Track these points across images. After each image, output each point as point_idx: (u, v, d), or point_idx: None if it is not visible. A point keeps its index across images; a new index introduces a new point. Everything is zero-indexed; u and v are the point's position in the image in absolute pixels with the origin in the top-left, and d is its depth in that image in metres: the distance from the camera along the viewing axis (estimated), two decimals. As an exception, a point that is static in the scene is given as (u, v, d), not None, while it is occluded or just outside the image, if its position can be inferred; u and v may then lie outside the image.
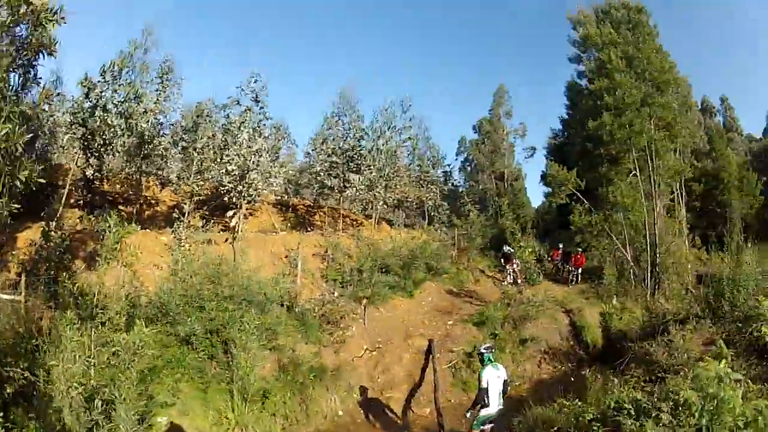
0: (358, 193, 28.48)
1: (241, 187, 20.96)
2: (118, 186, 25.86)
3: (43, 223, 16.29)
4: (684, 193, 43.86)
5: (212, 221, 21.13)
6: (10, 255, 16.41)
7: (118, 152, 22.43)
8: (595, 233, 32.48)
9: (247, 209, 23.10)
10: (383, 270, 22.48)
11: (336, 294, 19.30)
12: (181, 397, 12.27)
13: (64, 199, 19.37)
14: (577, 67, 41.65)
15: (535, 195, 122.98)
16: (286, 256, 21.09)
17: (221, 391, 13.16)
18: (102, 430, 9.22)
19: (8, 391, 9.57)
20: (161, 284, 15.43)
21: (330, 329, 17.78)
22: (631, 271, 28.69)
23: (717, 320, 16.01)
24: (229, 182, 20.98)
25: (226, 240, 19.99)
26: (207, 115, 24.12)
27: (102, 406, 9.29)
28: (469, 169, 57.55)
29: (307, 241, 22.79)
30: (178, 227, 18.88)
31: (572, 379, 15.05)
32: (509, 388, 11.85)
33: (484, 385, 11.06)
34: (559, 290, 27.00)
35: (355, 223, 29.10)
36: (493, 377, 11.12)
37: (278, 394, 13.86)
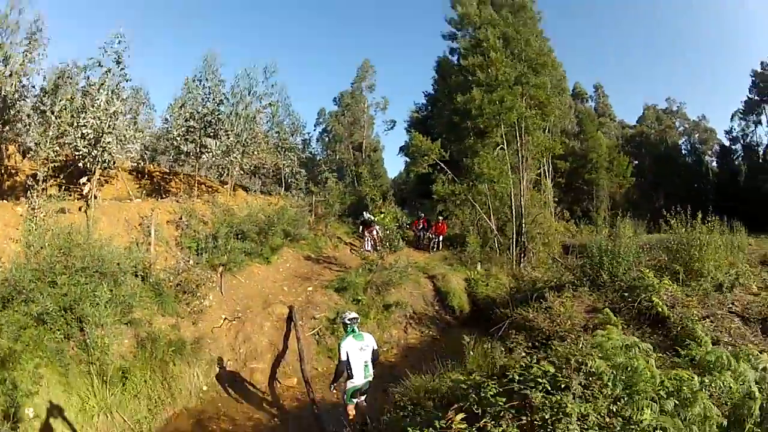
0: (214, 159, 27.58)
1: (95, 151, 19.70)
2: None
3: None
4: (551, 169, 45.36)
5: (68, 189, 19.98)
6: None
7: None
8: (458, 203, 33.45)
9: (102, 176, 21.87)
10: (239, 236, 22.01)
11: (191, 262, 18.74)
12: (44, 384, 11.28)
13: None
14: (450, 44, 42.45)
15: (392, 167, 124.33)
16: (140, 224, 20.14)
17: (82, 373, 12.28)
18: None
19: None
20: (14, 258, 14.17)
21: (186, 299, 17.10)
22: (496, 239, 29.73)
23: (596, 289, 16.60)
24: (83, 147, 19.63)
25: (80, 208, 18.84)
26: (68, 77, 22.66)
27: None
28: (327, 139, 57.75)
29: (162, 207, 22.02)
30: (32, 195, 17.47)
31: (443, 345, 14.60)
32: (378, 356, 11.53)
33: (343, 357, 10.91)
34: (421, 257, 27.63)
35: (211, 189, 28.35)
36: (354, 348, 10.95)
37: (138, 374, 13.08)
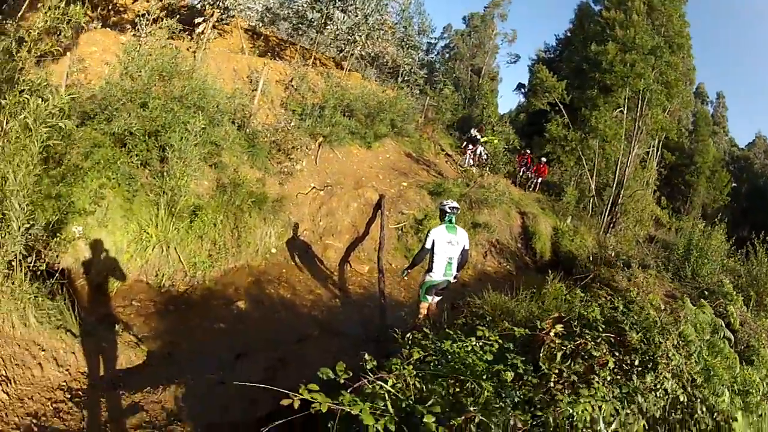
0: (337, 33, 26.65)
1: None
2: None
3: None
4: (658, 155, 43.67)
5: (180, 32, 18.62)
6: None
7: None
8: (567, 149, 32.50)
9: (217, 26, 21.14)
10: (346, 114, 21.34)
11: (293, 124, 18.06)
12: (103, 205, 10.82)
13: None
14: None
15: (505, 103, 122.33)
16: (248, 76, 19.69)
17: (149, 203, 11.74)
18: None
19: None
20: (108, 76, 13.66)
21: (279, 158, 16.59)
22: (591, 200, 28.52)
23: (677, 279, 16.23)
24: None
25: (188, 48, 18.27)
26: None
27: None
28: (447, 55, 55.27)
29: (274, 66, 21.43)
30: (140, 26, 16.85)
31: (518, 282, 13.68)
32: (467, 260, 10.25)
33: (428, 244, 9.64)
34: (516, 191, 26.16)
35: (325, 66, 27.06)
36: (443, 240, 9.62)
37: (210, 215, 12.46)
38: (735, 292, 11.48)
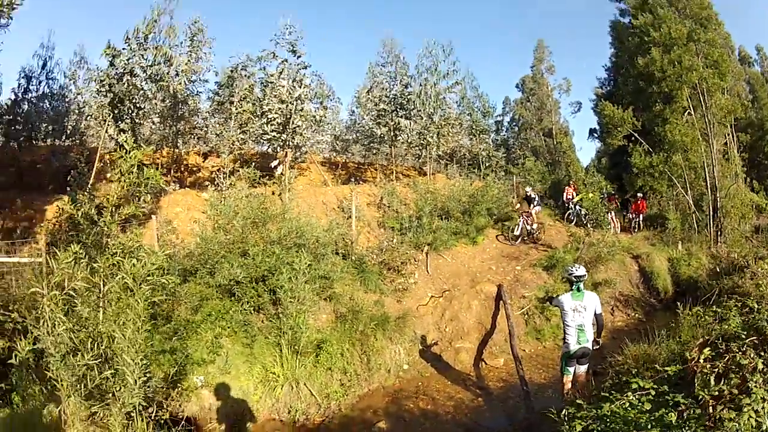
0: (409, 140, 27.04)
1: (285, 135, 19.98)
2: (155, 154, 24.54)
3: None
4: (735, 140, 41.68)
5: (258, 180, 19.45)
6: (38, 227, 15.51)
7: (150, 117, 22.34)
8: (656, 175, 31.22)
9: (293, 164, 21.92)
10: (443, 216, 21.24)
11: (395, 241, 17.99)
12: (222, 354, 10.99)
13: (94, 170, 18.26)
14: (618, 5, 39.22)
15: (583, 155, 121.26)
16: (339, 206, 19.94)
17: (269, 345, 11.80)
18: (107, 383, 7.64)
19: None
20: (200, 232, 14.21)
21: (391, 276, 16.53)
22: (694, 216, 27.22)
23: None
24: (271, 131, 20.05)
25: (273, 192, 18.79)
26: (243, 68, 23.46)
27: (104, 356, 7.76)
28: (516, 128, 54.81)
29: (361, 190, 21.74)
30: (219, 181, 18.15)
31: (649, 327, 13.00)
32: (603, 324, 9.74)
33: (555, 303, 9.70)
34: (623, 237, 25.32)
35: (408, 177, 27.52)
36: (568, 307, 9.26)
37: (335, 346, 12.27)
38: None
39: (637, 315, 18.76)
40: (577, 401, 5.66)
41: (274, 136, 19.98)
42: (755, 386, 4.59)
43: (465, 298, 16.80)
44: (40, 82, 23.73)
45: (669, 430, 4.56)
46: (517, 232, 23.03)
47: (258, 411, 10.78)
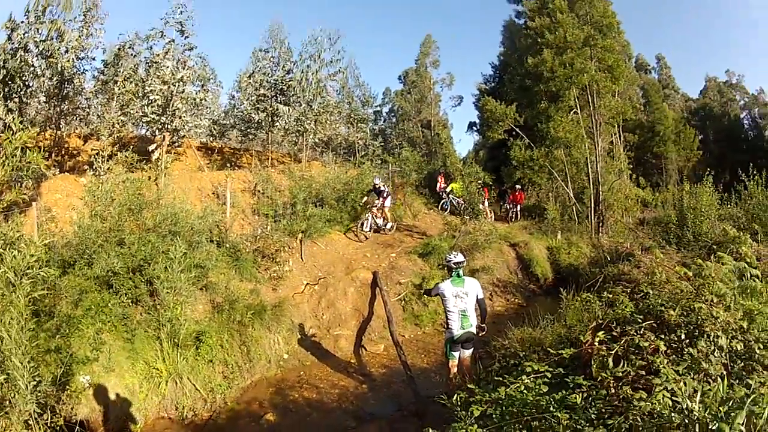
0: (287, 127, 26.97)
1: (164, 118, 19.56)
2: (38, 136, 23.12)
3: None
4: (622, 140, 44.50)
5: (135, 165, 18.87)
6: None
7: (37, 95, 21.64)
8: (535, 169, 32.47)
9: (170, 148, 21.24)
10: (317, 203, 21.38)
11: (269, 229, 17.92)
12: (105, 351, 10.46)
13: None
14: (515, 7, 41.47)
15: (461, 146, 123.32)
16: (214, 192, 19.74)
17: (150, 338, 11.42)
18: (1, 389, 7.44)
19: None
20: (78, 221, 13.46)
21: (266, 264, 16.34)
22: (574, 208, 28.45)
23: (682, 248, 16.32)
24: (151, 113, 19.52)
25: (149, 178, 18.13)
26: (130, 47, 22.79)
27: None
28: (394, 119, 55.43)
29: (236, 176, 21.39)
30: (97, 166, 17.27)
31: (530, 312, 13.32)
32: (486, 308, 10.04)
33: (434, 292, 9.96)
34: (501, 226, 25.92)
35: (283, 164, 27.17)
36: (450, 294, 9.48)
37: (214, 337, 12.06)
38: (740, 234, 11.16)
39: (516, 300, 19.23)
40: (469, 385, 5.72)
41: (153, 119, 19.49)
42: (663, 367, 4.69)
43: (341, 285, 16.91)
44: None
45: (574, 412, 4.58)
46: (366, 228, 21.87)
47: (146, 410, 10.47)
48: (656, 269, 8.24)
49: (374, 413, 10.99)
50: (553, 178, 30.76)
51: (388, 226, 22.45)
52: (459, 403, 5.28)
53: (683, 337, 5.53)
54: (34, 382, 7.39)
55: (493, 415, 4.92)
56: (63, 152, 23.32)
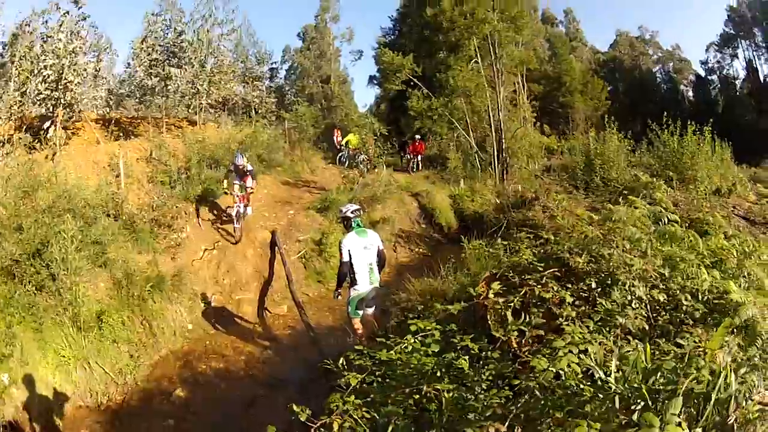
0: (180, 89, 26.56)
1: (57, 93, 19.01)
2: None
3: None
4: (525, 90, 45.07)
5: (34, 146, 18.41)
6: None
7: None
8: (434, 118, 32.77)
9: (67, 124, 20.82)
10: (213, 166, 21.21)
11: (165, 196, 17.75)
12: (18, 344, 10.10)
13: None
14: None
15: (362, 101, 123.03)
16: (109, 165, 18.99)
17: (56, 325, 11.05)
18: None
19: None
20: None
21: (163, 233, 16.07)
22: (477, 156, 28.95)
23: (590, 193, 16.84)
24: (45, 89, 18.94)
25: (47, 156, 17.73)
26: (27, 25, 21.27)
27: None
28: (293, 76, 55.33)
29: (131, 146, 21.00)
30: None
31: (435, 260, 13.64)
32: (385, 259, 10.01)
33: (345, 257, 9.31)
34: (401, 177, 26.50)
35: (180, 129, 26.76)
36: (358, 246, 9.34)
37: (115, 316, 11.80)
38: (654, 180, 11.68)
39: (421, 250, 19.67)
40: (356, 347, 5.39)
41: (47, 95, 19.00)
42: (566, 324, 4.33)
43: (239, 247, 16.97)
44: None
45: (462, 377, 4.21)
46: (237, 225, 17.41)
47: (64, 401, 10.26)
48: (558, 213, 8.33)
49: (283, 379, 11.09)
50: (453, 127, 31.25)
51: (249, 210, 18.40)
52: (343, 367, 4.75)
53: (594, 285, 5.20)
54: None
55: (374, 383, 4.58)
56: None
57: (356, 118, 33.29)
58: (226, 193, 18.12)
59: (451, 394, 3.93)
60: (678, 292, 4.99)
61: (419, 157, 30.51)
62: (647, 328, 4.75)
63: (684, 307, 4.89)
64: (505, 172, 27.13)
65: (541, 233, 6.68)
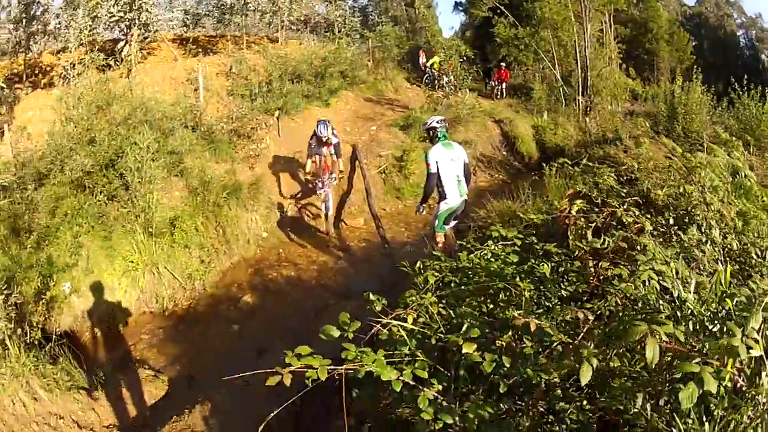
0: (260, 6, 26.26)
1: (132, 14, 19.16)
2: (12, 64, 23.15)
3: None
4: (612, 30, 43.39)
5: (109, 66, 18.18)
6: None
7: (5, 25, 21.37)
8: (521, 48, 31.92)
9: (143, 44, 20.95)
10: (295, 80, 20.81)
11: (245, 109, 17.64)
12: (83, 253, 10.38)
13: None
14: None
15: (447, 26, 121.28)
16: (188, 80, 19.10)
17: (126, 233, 11.24)
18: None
19: None
20: (49, 129, 13.03)
21: (242, 143, 16.13)
22: (561, 90, 27.87)
23: (671, 141, 15.36)
24: (118, 12, 19.03)
25: (121, 75, 17.83)
26: None
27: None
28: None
29: (209, 61, 20.91)
30: (69, 75, 16.84)
31: (515, 188, 13.29)
32: (470, 173, 9.65)
33: (432, 169, 8.86)
34: (486, 102, 25.77)
35: (261, 45, 26.31)
36: (445, 159, 8.92)
37: (188, 222, 11.94)
38: (733, 139, 11.16)
39: (501, 176, 19.30)
40: (434, 253, 5.45)
41: (120, 17, 19.07)
42: (653, 245, 4.10)
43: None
44: None
45: (542, 284, 4.23)
46: (331, 212, 13.71)
47: (128, 305, 10.48)
48: (642, 151, 8.04)
49: (354, 289, 10.82)
50: (539, 59, 30.37)
51: (333, 178, 13.71)
52: (421, 270, 4.77)
53: (672, 222, 5.04)
54: (3, 297, 7.33)
55: (452, 284, 4.42)
56: (36, 72, 22.89)
57: (443, 40, 32.67)
58: (307, 180, 14.13)
59: (530, 293, 3.84)
60: (749, 245, 4.70)
61: (504, 85, 30.00)
62: (720, 269, 4.14)
63: (754, 261, 4.57)
64: (588, 108, 26.17)
65: (626, 161, 6.97)
